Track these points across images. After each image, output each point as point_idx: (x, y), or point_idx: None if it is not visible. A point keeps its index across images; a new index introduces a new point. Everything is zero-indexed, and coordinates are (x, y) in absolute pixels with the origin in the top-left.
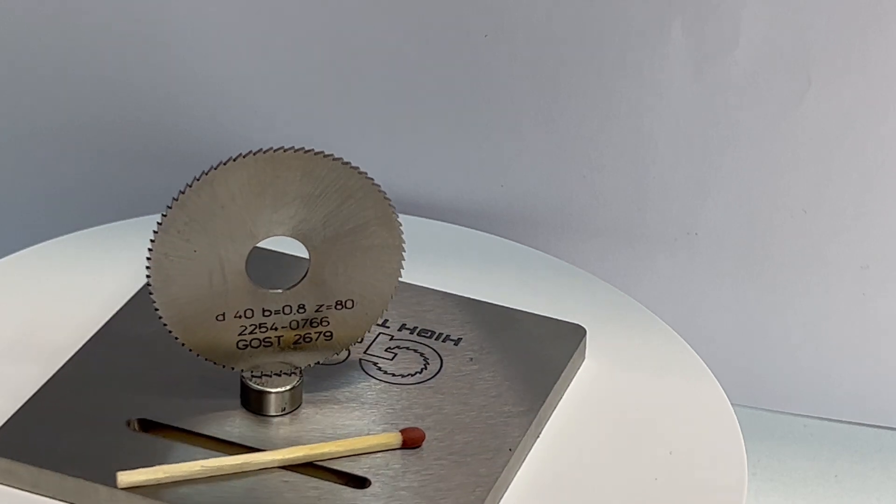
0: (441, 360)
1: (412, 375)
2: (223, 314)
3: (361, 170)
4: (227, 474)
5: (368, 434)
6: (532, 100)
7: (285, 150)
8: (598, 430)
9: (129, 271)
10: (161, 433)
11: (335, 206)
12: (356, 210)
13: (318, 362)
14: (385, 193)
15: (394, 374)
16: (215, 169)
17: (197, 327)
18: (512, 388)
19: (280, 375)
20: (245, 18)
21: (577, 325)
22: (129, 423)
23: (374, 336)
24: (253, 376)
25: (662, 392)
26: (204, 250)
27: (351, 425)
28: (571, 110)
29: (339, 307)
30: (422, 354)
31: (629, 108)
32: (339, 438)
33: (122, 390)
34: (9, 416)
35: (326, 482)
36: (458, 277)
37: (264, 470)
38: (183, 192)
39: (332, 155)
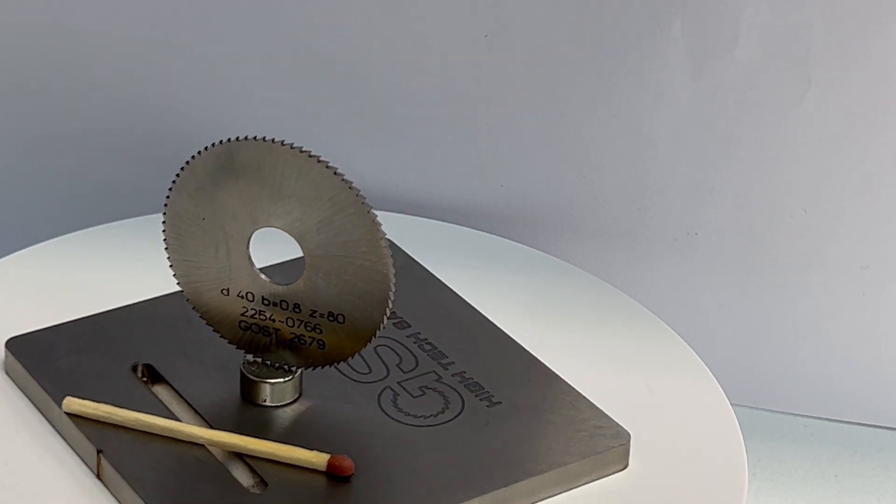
0: (459, 415)
1: (415, 417)
2: (227, 289)
3: (354, 185)
4: (157, 434)
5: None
6: (532, 100)
7: (283, 144)
8: None
9: (129, 271)
10: (158, 386)
11: (328, 214)
12: (347, 225)
13: (312, 367)
14: (375, 217)
15: (399, 410)
16: (221, 143)
17: (204, 293)
18: (495, 463)
19: (276, 368)
20: (245, 20)
21: (623, 429)
22: (135, 368)
23: (426, 371)
24: (254, 360)
25: (662, 392)
26: (210, 220)
27: (311, 436)
28: (571, 110)
29: (331, 319)
30: (447, 402)
31: (629, 108)
32: (290, 444)
33: (145, 342)
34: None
35: (233, 472)
36: (458, 278)
37: (192, 444)
38: (194, 158)
39: (326, 162)
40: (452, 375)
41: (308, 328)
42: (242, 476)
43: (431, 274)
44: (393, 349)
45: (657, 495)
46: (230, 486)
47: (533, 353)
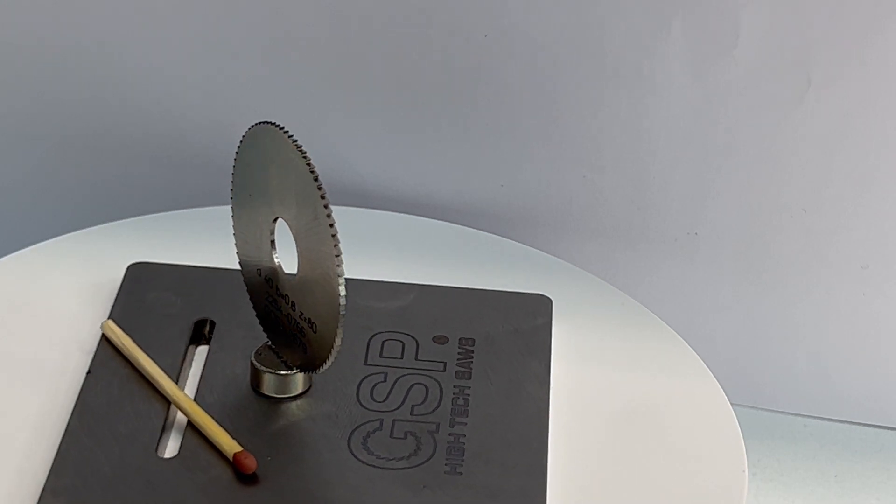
0: (410, 468)
1: (369, 454)
2: (260, 270)
3: (326, 195)
4: (146, 379)
5: (232, 436)
6: (532, 100)
7: (290, 137)
8: (598, 429)
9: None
10: (201, 344)
11: (311, 219)
12: (320, 236)
13: (298, 370)
14: (335, 233)
15: (361, 444)
16: (260, 125)
17: (248, 268)
18: None
19: (281, 361)
20: (244, 21)
21: None
22: (202, 322)
23: (432, 420)
24: (268, 347)
25: (662, 392)
26: (254, 198)
27: (262, 434)
28: (571, 110)
29: (309, 325)
30: (414, 453)
31: (629, 108)
32: (223, 427)
33: (237, 303)
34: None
35: (172, 435)
36: (459, 278)
37: (164, 395)
38: (248, 131)
39: (312, 166)
40: (449, 434)
41: (297, 329)
42: (176, 441)
43: (548, 345)
44: (429, 389)
45: (657, 495)
46: (144, 443)
47: (550, 457)
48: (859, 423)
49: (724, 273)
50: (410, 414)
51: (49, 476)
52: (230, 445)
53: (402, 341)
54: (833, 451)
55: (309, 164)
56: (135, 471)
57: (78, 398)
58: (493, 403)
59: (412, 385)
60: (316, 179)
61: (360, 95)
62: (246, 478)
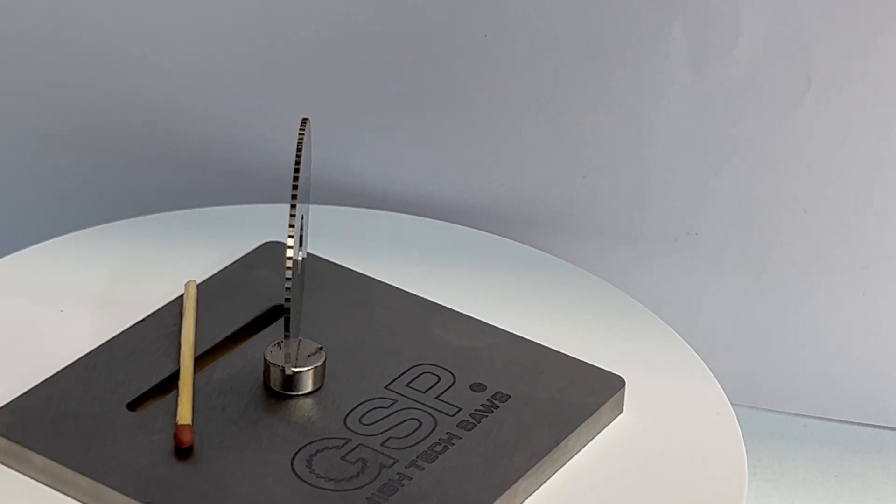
0: (330, 491)
1: (305, 469)
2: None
3: (297, 191)
4: (176, 341)
5: (193, 410)
6: (532, 100)
7: (302, 130)
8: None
9: (128, 271)
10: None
11: (301, 214)
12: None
13: (291, 369)
14: (292, 233)
15: (304, 460)
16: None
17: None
18: None
19: (290, 357)
20: (242, 20)
21: None
22: (278, 307)
23: (395, 456)
24: (287, 336)
25: (662, 392)
26: (301, 183)
27: (235, 421)
28: (571, 111)
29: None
30: (346, 480)
31: (629, 108)
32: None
33: (323, 293)
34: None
35: (157, 392)
36: (458, 278)
37: (177, 351)
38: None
39: (298, 159)
40: (398, 473)
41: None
42: (155, 401)
43: (576, 424)
44: (421, 427)
45: (658, 496)
46: (123, 393)
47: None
48: (859, 423)
49: (724, 273)
50: (381, 444)
51: (22, 395)
52: (183, 417)
53: (439, 376)
54: (833, 451)
55: (298, 157)
56: (91, 414)
57: (109, 340)
58: (468, 460)
59: (408, 419)
60: (297, 172)
61: (359, 95)
62: (181, 451)
